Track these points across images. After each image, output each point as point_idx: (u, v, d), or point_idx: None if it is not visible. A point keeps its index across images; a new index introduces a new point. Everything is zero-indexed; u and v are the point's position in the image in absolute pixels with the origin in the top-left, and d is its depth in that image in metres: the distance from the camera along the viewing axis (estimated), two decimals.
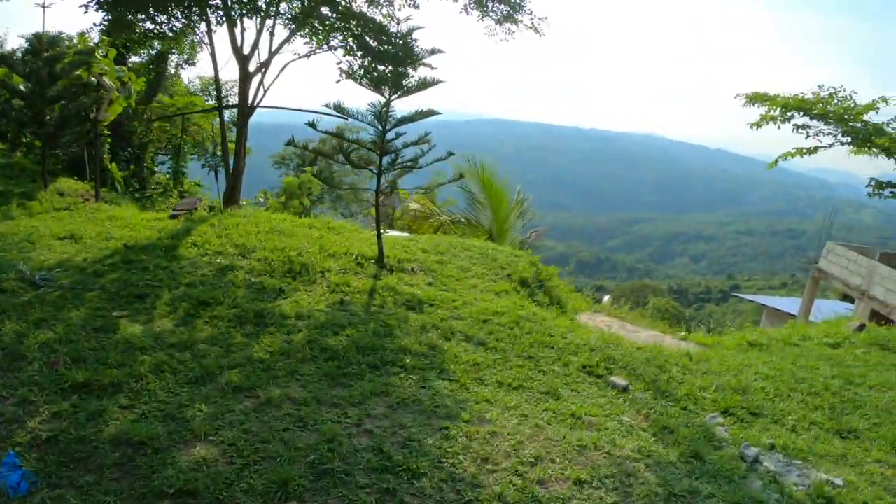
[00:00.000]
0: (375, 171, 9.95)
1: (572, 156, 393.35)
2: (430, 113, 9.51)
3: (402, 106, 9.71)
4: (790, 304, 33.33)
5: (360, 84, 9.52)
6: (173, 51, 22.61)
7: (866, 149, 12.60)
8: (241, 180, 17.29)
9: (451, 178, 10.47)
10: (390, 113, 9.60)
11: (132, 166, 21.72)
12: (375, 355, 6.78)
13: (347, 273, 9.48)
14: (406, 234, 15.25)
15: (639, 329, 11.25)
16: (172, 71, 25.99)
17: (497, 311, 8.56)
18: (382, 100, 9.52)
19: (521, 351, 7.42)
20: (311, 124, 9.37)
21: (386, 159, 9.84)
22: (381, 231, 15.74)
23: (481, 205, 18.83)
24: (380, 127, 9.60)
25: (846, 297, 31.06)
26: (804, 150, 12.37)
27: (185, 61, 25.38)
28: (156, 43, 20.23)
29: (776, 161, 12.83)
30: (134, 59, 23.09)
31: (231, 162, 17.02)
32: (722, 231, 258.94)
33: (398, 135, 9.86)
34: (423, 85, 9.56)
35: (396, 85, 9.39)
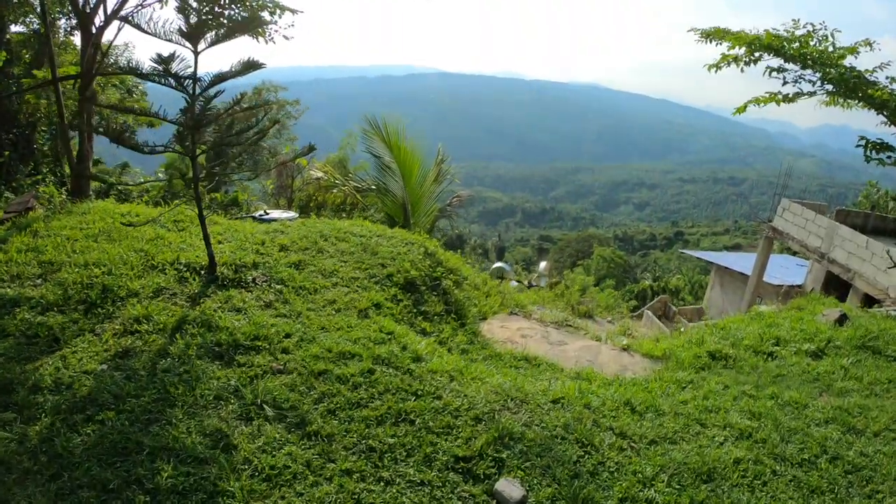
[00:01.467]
0: (187, 153, 6.84)
1: (514, 107, 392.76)
2: (252, 66, 6.45)
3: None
4: (739, 261, 31.47)
5: (146, 32, 6.32)
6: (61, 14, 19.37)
7: (849, 101, 10.04)
8: (89, 166, 13.94)
9: (301, 150, 7.42)
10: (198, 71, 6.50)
11: (7, 152, 18.15)
12: (122, 466, 4.13)
13: (160, 297, 6.52)
14: (288, 216, 12.30)
15: (565, 339, 8.55)
16: (62, 39, 22.46)
17: (346, 350, 5.72)
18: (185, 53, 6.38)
19: (359, 436, 4.61)
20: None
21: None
22: (261, 213, 12.67)
23: (390, 170, 15.87)
24: (188, 91, 6.48)
25: (788, 249, 29.22)
26: (780, 97, 9.73)
27: (75, 27, 21.80)
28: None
29: (745, 106, 10.36)
30: (18, 29, 19.88)
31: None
32: (665, 179, 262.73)
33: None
34: (234, 29, 6.52)
35: (197, 28, 6.28)
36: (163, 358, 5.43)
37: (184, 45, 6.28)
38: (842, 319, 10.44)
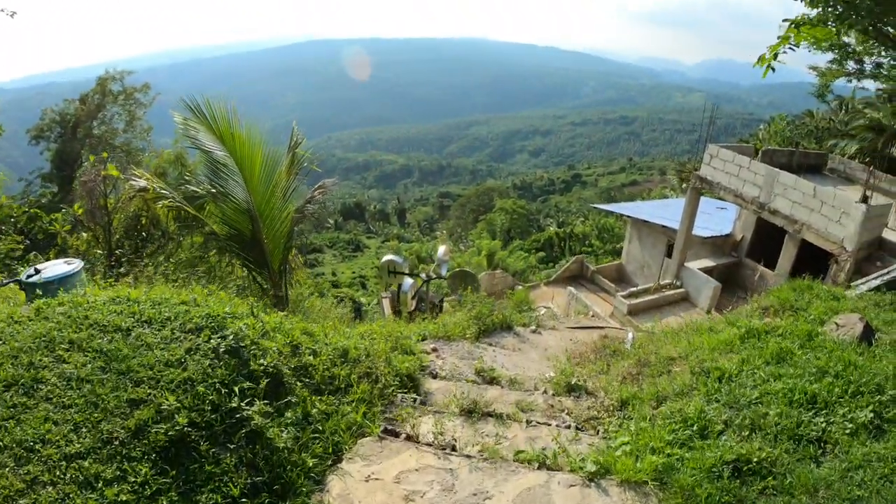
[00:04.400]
0: None
1: (401, 67, 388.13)
2: None
3: None
4: (656, 212, 28.72)
5: None
6: None
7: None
8: None
9: None
10: None
11: None
12: None
13: None
14: (68, 270, 8.11)
15: (486, 484, 4.66)
16: None
17: None
18: None
19: None
20: None
21: None
22: (29, 273, 8.31)
23: (227, 168, 11.69)
24: None
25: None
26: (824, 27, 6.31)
27: None
28: None
29: (779, 44, 6.85)
30: None
31: None
32: (557, 124, 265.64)
33: None
34: None
35: None
36: None
37: None
38: (867, 334, 7.30)
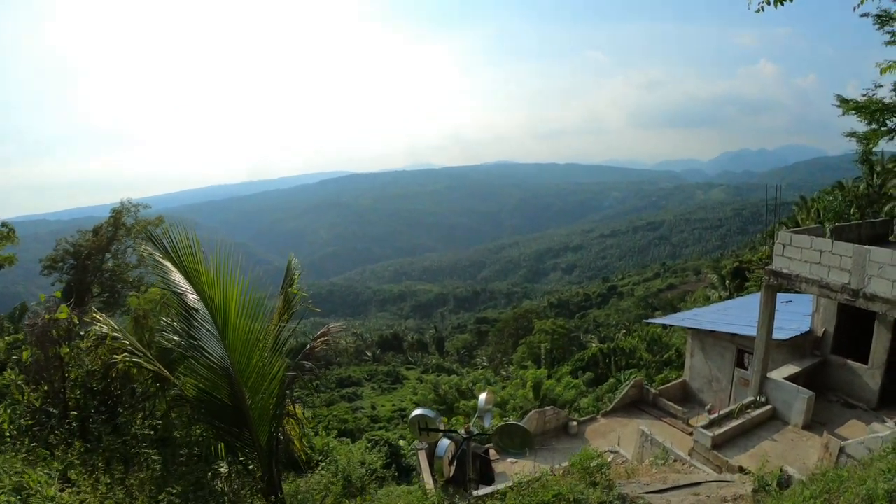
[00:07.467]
0: None
1: (427, 197, 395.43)
2: None
3: None
4: (716, 317, 25.62)
5: None
6: None
7: None
8: None
9: None
10: None
11: None
12: None
13: None
14: None
15: None
16: None
17: None
18: None
19: None
20: None
21: None
22: None
23: (198, 314, 9.08)
24: None
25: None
26: None
27: None
28: None
29: None
30: None
31: None
32: (587, 239, 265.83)
33: None
34: None
35: None
36: None
37: None
38: None
